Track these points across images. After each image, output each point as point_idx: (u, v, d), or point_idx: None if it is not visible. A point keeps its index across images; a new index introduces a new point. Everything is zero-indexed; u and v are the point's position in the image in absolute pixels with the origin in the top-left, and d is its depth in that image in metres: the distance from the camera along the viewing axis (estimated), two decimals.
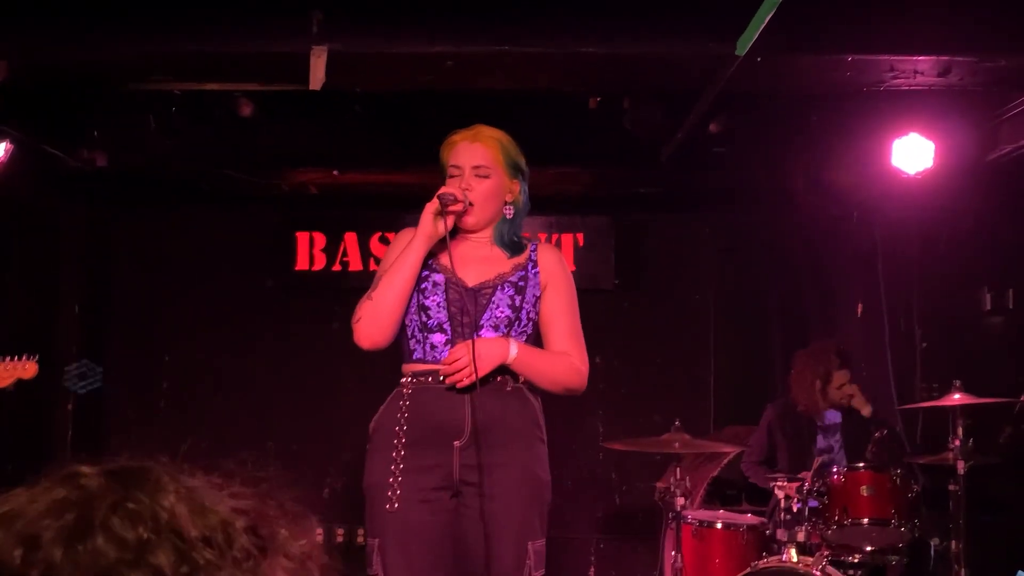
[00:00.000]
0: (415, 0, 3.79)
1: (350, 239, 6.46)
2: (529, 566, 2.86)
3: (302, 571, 0.86)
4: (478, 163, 2.96)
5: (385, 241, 6.41)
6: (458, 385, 2.82)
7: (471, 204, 2.93)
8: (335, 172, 5.82)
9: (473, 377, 2.79)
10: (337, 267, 6.46)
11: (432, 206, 2.89)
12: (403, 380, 2.95)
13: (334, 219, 6.49)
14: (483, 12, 3.79)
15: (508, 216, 3.02)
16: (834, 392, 4.97)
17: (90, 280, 6.38)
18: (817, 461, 4.50)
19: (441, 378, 2.87)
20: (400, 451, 2.86)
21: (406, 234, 3.00)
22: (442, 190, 2.90)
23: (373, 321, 2.90)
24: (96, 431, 6.33)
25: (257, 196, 6.29)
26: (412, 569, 2.82)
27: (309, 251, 6.48)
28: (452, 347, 2.88)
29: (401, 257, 2.90)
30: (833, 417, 5.03)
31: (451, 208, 2.88)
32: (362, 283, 6.97)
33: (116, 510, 0.78)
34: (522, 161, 3.05)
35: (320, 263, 6.47)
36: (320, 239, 6.48)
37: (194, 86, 4.51)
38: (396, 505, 2.82)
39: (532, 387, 2.98)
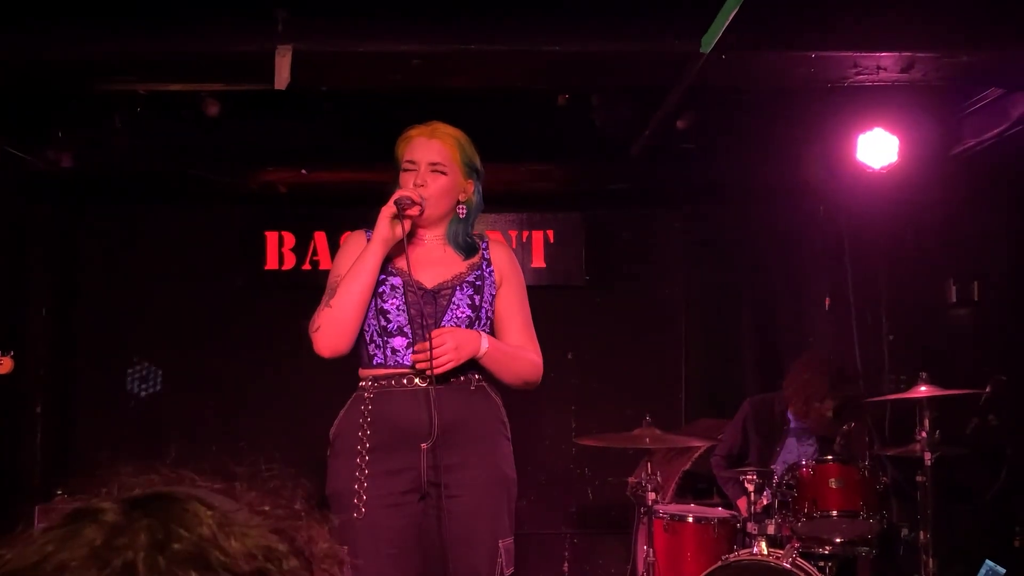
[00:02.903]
0: None
1: (320, 238, 6.45)
2: (501, 563, 2.86)
3: (330, 573, 0.85)
4: (435, 160, 2.93)
5: None
6: (435, 371, 2.77)
7: (425, 200, 2.90)
8: (304, 171, 5.80)
9: (448, 367, 2.78)
10: (307, 266, 6.44)
11: (389, 210, 2.85)
12: (363, 384, 2.93)
13: (303, 218, 6.47)
14: (449, 11, 3.79)
15: (461, 215, 3.00)
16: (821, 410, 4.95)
17: (58, 282, 6.33)
18: (779, 468, 4.53)
19: (412, 364, 2.84)
20: (364, 456, 2.83)
21: (355, 238, 3.00)
22: (398, 194, 2.86)
23: (333, 329, 2.86)
24: (65, 433, 6.28)
25: (225, 196, 6.26)
26: (383, 574, 2.80)
27: (279, 250, 6.46)
28: (417, 346, 2.84)
29: (359, 263, 2.87)
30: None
31: (408, 212, 2.85)
32: None
33: (163, 550, 0.74)
34: (477, 161, 3.02)
35: (290, 262, 6.45)
36: (289, 238, 6.46)
37: (159, 86, 4.48)
38: (363, 511, 2.80)
39: (494, 385, 2.97)
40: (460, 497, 2.85)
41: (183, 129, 5.24)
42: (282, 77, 3.76)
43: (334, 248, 6.41)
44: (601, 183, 6.28)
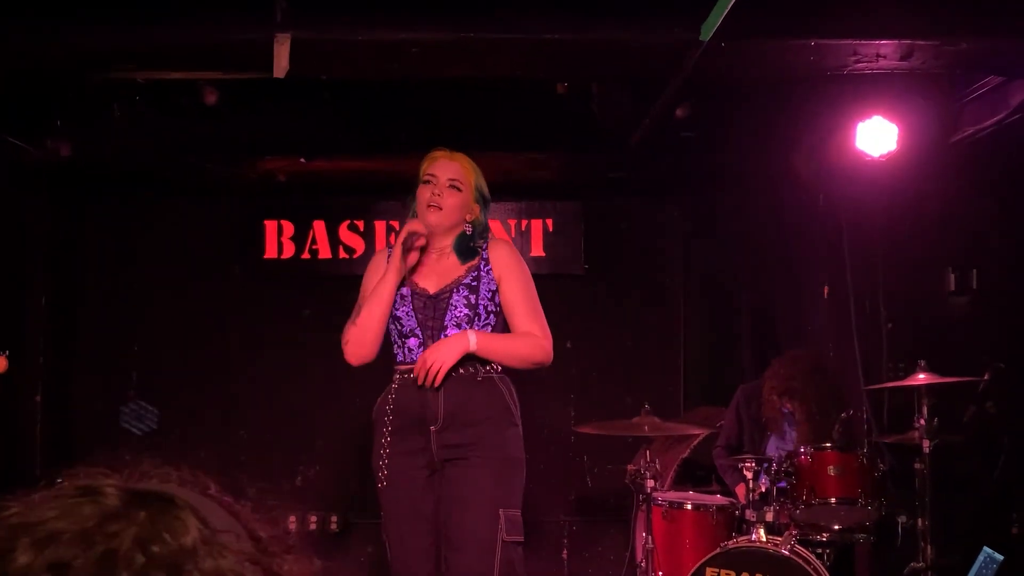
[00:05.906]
0: None
1: (319, 227, 6.45)
2: (502, 530, 3.27)
3: None
4: (453, 176, 3.44)
5: (354, 228, 6.42)
6: (435, 383, 3.29)
7: (439, 209, 3.40)
8: (302, 160, 5.80)
9: (441, 374, 3.28)
10: (306, 255, 6.44)
11: (399, 245, 3.38)
12: (393, 378, 3.46)
13: (302, 207, 6.47)
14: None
15: (467, 232, 3.47)
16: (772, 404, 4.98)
17: (57, 271, 6.32)
18: (777, 455, 4.53)
19: (415, 378, 3.34)
20: (387, 438, 3.39)
21: (378, 258, 3.58)
22: (408, 229, 3.39)
23: (359, 343, 3.43)
24: (65, 422, 6.29)
25: (225, 185, 6.26)
26: (403, 538, 3.38)
27: (278, 239, 6.46)
28: (423, 351, 3.35)
29: (377, 288, 3.41)
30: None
31: (416, 244, 3.39)
32: (331, 271, 6.92)
33: (144, 549, 0.77)
34: (486, 191, 3.52)
35: (289, 251, 6.46)
36: (288, 227, 6.46)
37: (158, 75, 4.48)
38: (385, 484, 3.38)
39: (502, 376, 3.41)
40: (460, 467, 3.33)
41: (182, 118, 5.23)
42: (281, 66, 3.76)
43: (333, 237, 6.44)
44: (600, 172, 6.28)
